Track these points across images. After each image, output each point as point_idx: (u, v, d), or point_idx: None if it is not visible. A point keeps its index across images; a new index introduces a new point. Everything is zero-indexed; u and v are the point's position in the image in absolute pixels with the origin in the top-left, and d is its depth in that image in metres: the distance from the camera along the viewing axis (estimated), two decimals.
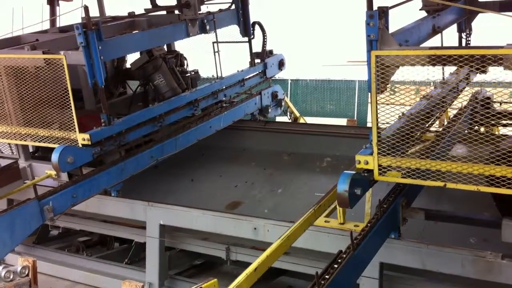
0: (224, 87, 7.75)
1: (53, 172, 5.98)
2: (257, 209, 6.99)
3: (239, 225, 6.12)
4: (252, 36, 8.07)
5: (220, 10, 7.68)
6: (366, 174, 3.97)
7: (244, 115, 8.03)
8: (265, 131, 8.16)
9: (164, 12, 7.75)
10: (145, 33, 6.71)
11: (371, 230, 3.89)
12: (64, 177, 6.12)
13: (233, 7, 7.86)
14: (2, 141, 6.31)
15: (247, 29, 7.98)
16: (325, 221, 5.13)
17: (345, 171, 3.96)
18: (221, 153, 8.12)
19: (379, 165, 3.90)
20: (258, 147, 8.08)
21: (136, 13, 7.63)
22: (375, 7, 3.94)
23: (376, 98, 3.78)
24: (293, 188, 7.30)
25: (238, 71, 8.08)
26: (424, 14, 5.41)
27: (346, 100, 20.48)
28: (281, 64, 8.77)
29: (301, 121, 11.01)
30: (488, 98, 5.25)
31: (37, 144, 6.02)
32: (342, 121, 16.46)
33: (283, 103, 8.96)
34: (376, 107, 3.81)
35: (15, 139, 6.10)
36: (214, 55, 7.73)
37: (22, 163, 6.84)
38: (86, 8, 5.57)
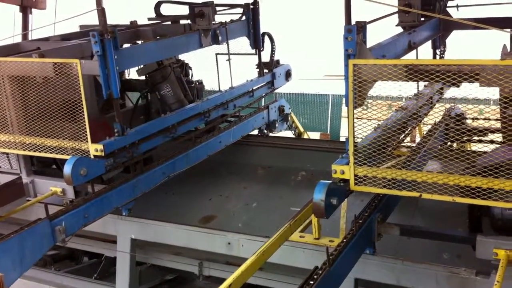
0: (234, 97, 7.63)
1: (59, 189, 5.65)
2: (231, 223, 6.89)
3: (212, 239, 6.03)
4: (262, 48, 7.99)
5: (232, 21, 7.58)
6: (342, 184, 3.93)
7: (252, 130, 7.92)
8: (240, 145, 8.09)
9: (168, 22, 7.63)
10: (159, 43, 6.49)
11: (347, 245, 3.85)
12: (71, 194, 5.67)
13: (243, 18, 7.79)
14: (8, 151, 5.82)
15: (257, 40, 7.89)
16: (300, 236, 5.08)
17: (321, 181, 3.92)
18: (196, 166, 8.02)
19: (355, 175, 3.86)
20: (233, 160, 8.00)
21: (137, 22, 7.52)
22: (353, 22, 3.95)
23: (353, 108, 3.73)
24: (267, 202, 7.23)
25: (247, 80, 7.98)
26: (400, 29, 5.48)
27: (319, 114, 20.59)
28: (288, 75, 8.69)
29: (305, 136, 10.93)
30: (461, 114, 5.29)
31: (43, 154, 5.62)
32: (315, 135, 16.48)
33: (289, 118, 8.89)
34: (353, 116, 3.76)
35: (18, 149, 5.70)
36: (217, 67, 7.61)
37: (24, 179, 6.28)
38: (102, 11, 5.28)
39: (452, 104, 5.38)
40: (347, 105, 3.87)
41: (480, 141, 5.19)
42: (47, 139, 5.50)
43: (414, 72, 3.49)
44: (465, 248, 4.86)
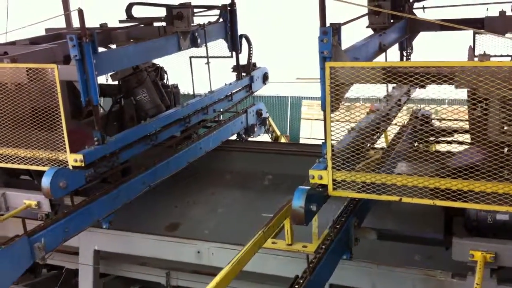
0: (214, 102, 7.43)
1: (34, 202, 5.30)
2: (197, 230, 6.74)
3: (181, 248, 5.91)
4: (240, 51, 7.83)
5: (210, 23, 7.38)
6: (320, 189, 3.84)
7: (232, 135, 7.76)
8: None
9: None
10: (137, 46, 6.20)
11: (326, 252, 3.75)
12: (46, 207, 5.31)
13: (220, 20, 7.61)
14: None
15: (235, 43, 7.71)
16: (273, 243, 4.97)
17: (299, 187, 3.83)
18: None
19: (333, 180, 3.77)
20: (199, 165, 7.84)
21: (108, 25, 7.21)
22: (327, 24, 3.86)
23: (330, 111, 3.64)
24: (234, 208, 7.11)
25: (226, 84, 7.79)
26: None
27: (278, 116, 20.53)
28: (265, 78, 8.56)
29: (282, 140, 10.78)
30: (428, 116, 5.29)
31: (16, 166, 5.29)
32: (263, 137, 16.42)
33: (267, 122, 8.76)
34: (330, 120, 3.68)
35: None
36: (191, 71, 7.42)
37: None
38: (80, 12, 4.98)
39: (418, 106, 5.38)
40: (323, 108, 3.78)
41: (448, 142, 5.20)
42: (20, 150, 5.20)
43: (392, 75, 3.43)
44: (435, 249, 4.87)
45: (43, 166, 5.10)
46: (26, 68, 4.95)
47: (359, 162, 3.92)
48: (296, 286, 3.43)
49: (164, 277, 6.27)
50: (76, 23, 7.71)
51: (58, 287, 6.48)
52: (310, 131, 19.14)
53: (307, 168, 6.76)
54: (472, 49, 6.22)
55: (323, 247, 3.81)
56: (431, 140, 4.93)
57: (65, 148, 5.03)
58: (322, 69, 3.72)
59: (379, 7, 4.89)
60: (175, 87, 7.56)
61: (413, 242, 4.51)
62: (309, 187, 3.83)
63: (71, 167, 5.06)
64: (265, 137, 10.08)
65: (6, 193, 5.54)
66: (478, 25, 6.21)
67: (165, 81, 7.49)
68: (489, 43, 6.46)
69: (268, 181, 7.46)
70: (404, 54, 6.25)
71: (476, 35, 6.40)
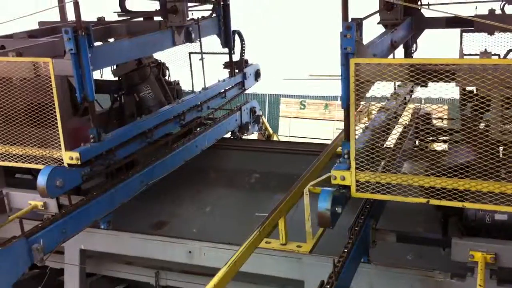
0: (208, 99, 7.25)
1: (39, 203, 5.04)
2: (184, 229, 6.55)
3: (171, 248, 5.75)
4: (233, 47, 7.62)
5: (203, 18, 7.14)
6: (343, 191, 3.72)
7: (226, 133, 7.58)
8: None
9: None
10: (133, 41, 5.95)
11: (348, 256, 3.64)
12: (54, 208, 5.08)
13: (214, 15, 7.39)
14: None
15: (228, 39, 7.52)
16: (266, 242, 4.86)
17: (324, 188, 3.69)
18: None
19: (356, 181, 3.66)
20: (185, 163, 7.66)
21: (105, 19, 6.93)
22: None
23: (354, 110, 3.53)
24: (222, 206, 6.94)
25: (219, 81, 7.61)
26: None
27: None
28: (257, 75, 8.40)
29: (275, 138, 10.64)
30: (428, 114, 5.25)
31: (6, 164, 5.03)
32: (253, 135, 16.38)
33: (260, 120, 8.58)
34: (354, 120, 3.56)
35: None
36: (191, 67, 7.18)
37: None
38: (76, 4, 4.75)
39: (418, 104, 5.33)
40: (343, 106, 3.66)
41: (447, 140, 5.17)
42: (12, 147, 4.94)
43: (421, 72, 3.34)
44: (427, 249, 4.84)
45: (36, 164, 4.87)
46: (32, 62, 4.70)
47: (379, 162, 3.81)
48: None
49: (153, 277, 6.10)
50: (71, 17, 7.43)
51: (42, 286, 6.17)
52: (289, 129, 19.19)
53: (295, 166, 6.78)
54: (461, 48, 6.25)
55: (345, 250, 3.68)
56: (431, 139, 4.89)
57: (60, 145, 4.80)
58: (344, 65, 3.59)
59: (391, 3, 4.79)
60: (177, 83, 7.36)
61: (432, 244, 4.40)
62: (334, 189, 3.70)
63: (66, 165, 4.84)
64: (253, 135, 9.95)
65: (9, 193, 5.29)
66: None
67: (167, 77, 7.28)
68: (478, 41, 6.52)
69: (256, 179, 7.33)
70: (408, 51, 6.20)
71: (464, 33, 6.44)
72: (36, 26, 7.17)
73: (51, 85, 4.62)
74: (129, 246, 5.81)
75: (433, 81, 3.38)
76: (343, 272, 3.48)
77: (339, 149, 6.59)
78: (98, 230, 5.70)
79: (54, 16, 7.49)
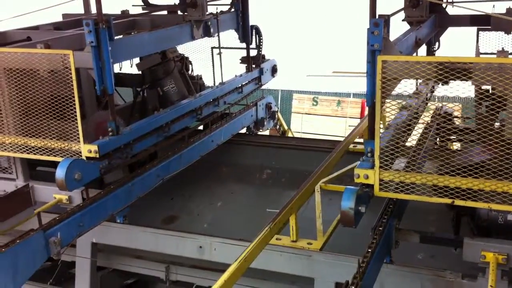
0: (224, 94, 7.18)
1: (64, 197, 5.04)
2: (195, 223, 6.52)
3: (182, 242, 5.69)
4: (251, 42, 7.53)
5: (222, 12, 7.05)
6: (366, 190, 3.66)
7: (241, 128, 7.51)
8: None
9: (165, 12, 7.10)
10: (152, 34, 5.89)
11: (373, 256, 3.58)
12: (78, 201, 5.07)
13: (232, 10, 7.31)
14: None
15: (246, 33, 7.43)
16: (277, 239, 4.84)
17: (348, 187, 3.63)
18: None
19: (380, 180, 3.60)
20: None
21: (129, 12, 6.86)
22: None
23: (381, 107, 3.47)
24: (232, 201, 6.90)
25: (236, 76, 7.53)
26: None
27: None
28: (274, 70, 8.31)
29: (289, 134, 10.57)
30: (450, 114, 5.19)
31: (26, 156, 5.02)
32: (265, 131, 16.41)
33: (276, 116, 8.51)
34: (379, 117, 3.50)
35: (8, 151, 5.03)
36: (213, 61, 7.12)
37: (20, 185, 5.47)
38: None
39: (441, 103, 5.27)
40: (368, 104, 3.60)
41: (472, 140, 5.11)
42: (31, 139, 4.91)
43: (450, 70, 3.28)
44: (438, 248, 4.80)
45: (54, 156, 4.84)
46: (61, 54, 4.65)
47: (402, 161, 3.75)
48: None
49: (163, 271, 6.06)
50: (94, 9, 7.44)
51: (53, 279, 6.15)
52: (301, 125, 19.15)
53: (307, 163, 6.73)
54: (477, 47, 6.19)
55: (369, 250, 3.63)
56: (453, 139, 4.83)
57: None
58: (370, 62, 3.54)
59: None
60: (200, 78, 7.28)
61: (452, 245, 4.35)
62: (358, 188, 3.64)
63: (84, 158, 4.80)
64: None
65: (34, 186, 5.27)
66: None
67: (190, 72, 7.21)
68: (494, 40, 6.46)
69: (267, 175, 7.28)
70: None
71: (480, 32, 6.38)
72: (59, 19, 7.17)
73: (75, 77, 4.60)
74: (140, 240, 5.76)
75: (462, 80, 3.32)
76: (367, 272, 3.43)
77: (351, 146, 6.58)
78: (110, 223, 5.68)
79: (77, 8, 7.53)
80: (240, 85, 7.53)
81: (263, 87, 8.37)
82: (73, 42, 5.59)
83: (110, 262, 6.18)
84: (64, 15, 7.18)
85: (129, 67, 6.68)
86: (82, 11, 7.53)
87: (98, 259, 5.93)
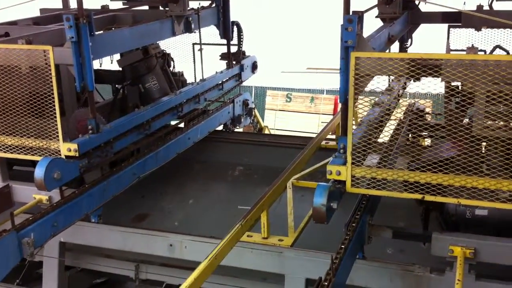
0: (205, 91, 7.09)
1: (44, 197, 4.92)
2: (166, 221, 6.45)
3: (152, 241, 5.61)
4: (231, 38, 7.46)
5: (203, 8, 6.95)
6: (339, 186, 3.65)
7: (219, 125, 7.45)
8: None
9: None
10: (134, 30, 5.78)
11: (346, 252, 3.57)
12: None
13: (213, 5, 7.23)
14: None
15: (226, 29, 7.34)
16: (248, 236, 4.82)
17: (320, 183, 3.62)
18: None
19: (352, 176, 3.60)
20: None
21: (109, 7, 6.76)
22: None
23: (354, 103, 3.46)
24: (204, 199, 6.84)
25: (216, 72, 7.44)
26: None
27: None
28: (254, 67, 8.25)
29: (266, 131, 10.50)
30: (422, 110, 5.23)
31: (2, 155, 4.89)
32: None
33: (253, 112, 8.46)
34: (352, 114, 3.49)
35: None
36: (194, 57, 7.06)
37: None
38: None
39: (413, 100, 5.31)
40: (341, 101, 3.58)
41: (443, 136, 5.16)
42: (8, 137, 4.79)
43: (422, 67, 3.28)
44: (407, 242, 4.81)
45: (33, 155, 4.74)
46: (40, 50, 4.55)
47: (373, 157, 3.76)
48: None
49: (133, 270, 5.97)
50: (73, 4, 7.31)
51: (20, 279, 6.00)
52: (274, 122, 19.19)
53: (280, 160, 6.71)
54: (448, 44, 6.26)
55: (343, 246, 3.62)
56: (424, 135, 4.87)
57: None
58: (344, 59, 3.53)
59: None
60: (182, 74, 7.19)
61: (427, 240, 4.38)
62: (330, 184, 3.63)
63: (64, 157, 4.69)
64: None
65: (12, 186, 5.16)
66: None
67: (172, 68, 7.10)
68: (465, 37, 6.54)
69: (240, 172, 7.24)
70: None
71: (451, 29, 6.45)
72: (37, 14, 7.02)
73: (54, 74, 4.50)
74: (109, 239, 5.67)
75: (433, 76, 3.33)
76: (340, 268, 3.42)
77: (323, 142, 6.60)
78: (78, 222, 5.55)
79: (55, 3, 7.39)
80: (220, 82, 7.47)
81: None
82: (53, 38, 5.49)
83: (78, 262, 6.06)
84: (42, 10, 7.05)
85: (109, 63, 6.58)
86: (58, 5, 7.41)
87: (66, 258, 5.81)
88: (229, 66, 7.70)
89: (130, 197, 6.73)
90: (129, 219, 6.39)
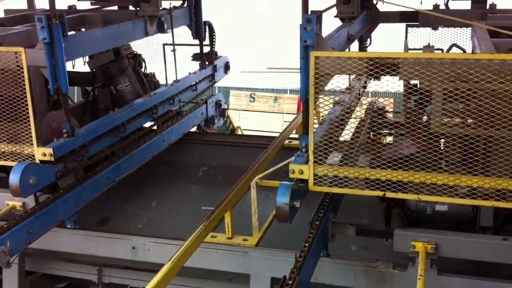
0: (179, 92, 7.00)
1: (18, 203, 4.78)
2: (129, 224, 6.37)
3: (114, 244, 5.53)
4: (204, 38, 7.39)
5: (175, 7, 6.85)
6: (301, 185, 3.67)
7: (192, 126, 7.36)
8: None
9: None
10: (106, 30, 5.65)
11: (309, 250, 3.59)
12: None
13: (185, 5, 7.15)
14: None
15: (199, 30, 7.26)
16: (212, 237, 4.81)
17: (283, 182, 3.62)
18: None
19: (314, 175, 3.62)
20: None
21: (76, 7, 6.60)
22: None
23: (314, 102, 3.48)
24: (167, 200, 6.79)
25: (190, 73, 7.35)
26: None
27: None
28: (227, 67, 8.18)
29: (239, 132, 10.39)
30: (382, 108, 5.31)
31: None
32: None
33: (226, 113, 8.40)
34: (313, 113, 3.52)
35: None
36: (165, 58, 6.99)
37: None
38: None
39: (373, 98, 5.39)
40: (303, 100, 3.60)
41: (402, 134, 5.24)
42: None
43: (380, 66, 3.33)
44: (371, 239, 4.87)
45: (5, 160, 4.63)
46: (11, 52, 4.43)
47: (337, 155, 3.79)
48: None
49: (96, 274, 5.88)
50: (38, 5, 7.15)
51: None
52: (238, 121, 19.21)
53: (243, 160, 6.71)
54: (406, 42, 6.38)
55: (306, 245, 3.64)
56: (384, 133, 4.96)
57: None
58: (303, 58, 3.55)
59: None
60: (153, 75, 7.10)
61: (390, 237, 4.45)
62: (292, 183, 3.64)
63: (38, 162, 4.57)
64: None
65: None
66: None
67: (144, 69, 7.01)
68: (422, 36, 6.68)
69: (203, 172, 7.22)
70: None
71: (409, 28, 6.58)
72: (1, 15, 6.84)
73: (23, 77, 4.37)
74: (70, 243, 5.56)
75: (391, 75, 3.39)
76: (304, 267, 3.44)
77: (286, 142, 6.62)
78: None
79: (19, 4, 7.20)
80: (194, 83, 7.42)
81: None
82: (22, 39, 5.35)
83: (39, 267, 5.93)
84: (7, 11, 6.86)
85: (81, 65, 6.47)
86: (20, 6, 7.21)
87: (26, 263, 5.69)
88: (202, 66, 7.65)
89: (94, 200, 6.63)
90: (93, 222, 6.29)
